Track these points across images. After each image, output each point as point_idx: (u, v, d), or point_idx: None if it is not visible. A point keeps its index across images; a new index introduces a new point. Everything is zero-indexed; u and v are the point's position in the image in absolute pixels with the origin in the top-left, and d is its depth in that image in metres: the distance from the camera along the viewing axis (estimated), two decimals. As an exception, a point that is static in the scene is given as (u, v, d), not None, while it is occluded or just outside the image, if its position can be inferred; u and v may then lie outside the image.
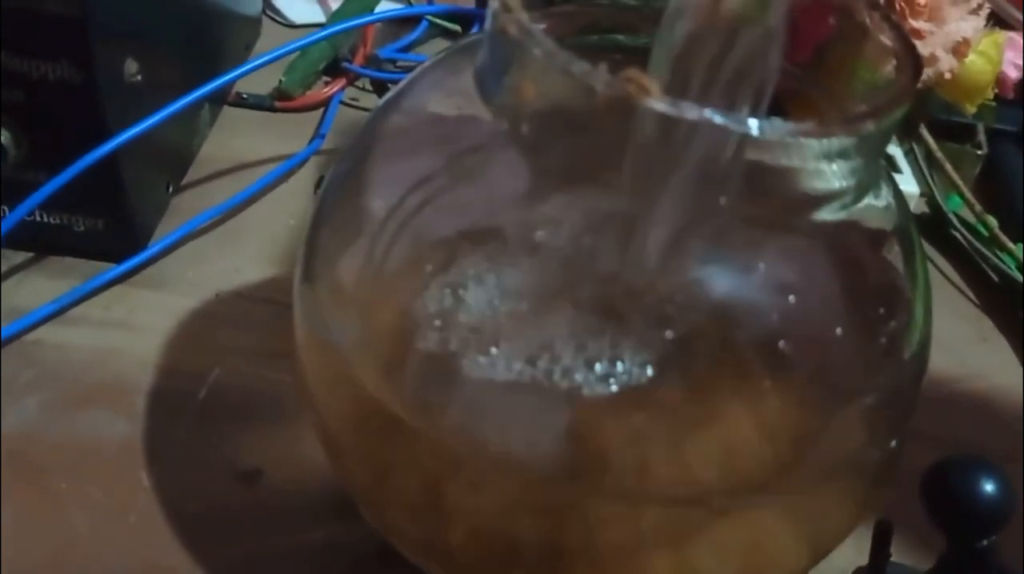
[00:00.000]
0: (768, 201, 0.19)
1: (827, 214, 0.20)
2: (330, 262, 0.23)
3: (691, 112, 0.17)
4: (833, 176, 0.19)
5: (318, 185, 0.41)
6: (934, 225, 0.46)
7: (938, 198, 0.46)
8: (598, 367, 0.18)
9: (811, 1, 0.25)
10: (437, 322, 0.20)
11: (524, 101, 0.19)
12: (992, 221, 0.45)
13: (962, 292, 0.44)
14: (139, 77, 0.33)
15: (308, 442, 0.30)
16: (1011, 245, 0.44)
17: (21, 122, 0.32)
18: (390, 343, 0.21)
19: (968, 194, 0.45)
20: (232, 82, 0.43)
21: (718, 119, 0.17)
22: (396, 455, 0.21)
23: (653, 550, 0.20)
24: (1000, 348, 0.41)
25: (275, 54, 0.37)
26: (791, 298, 0.20)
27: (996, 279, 0.44)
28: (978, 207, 0.45)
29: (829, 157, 0.19)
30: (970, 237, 0.45)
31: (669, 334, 0.19)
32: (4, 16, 0.30)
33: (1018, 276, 0.43)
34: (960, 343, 0.40)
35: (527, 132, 0.19)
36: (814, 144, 0.18)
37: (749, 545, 0.22)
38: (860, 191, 0.20)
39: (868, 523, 0.25)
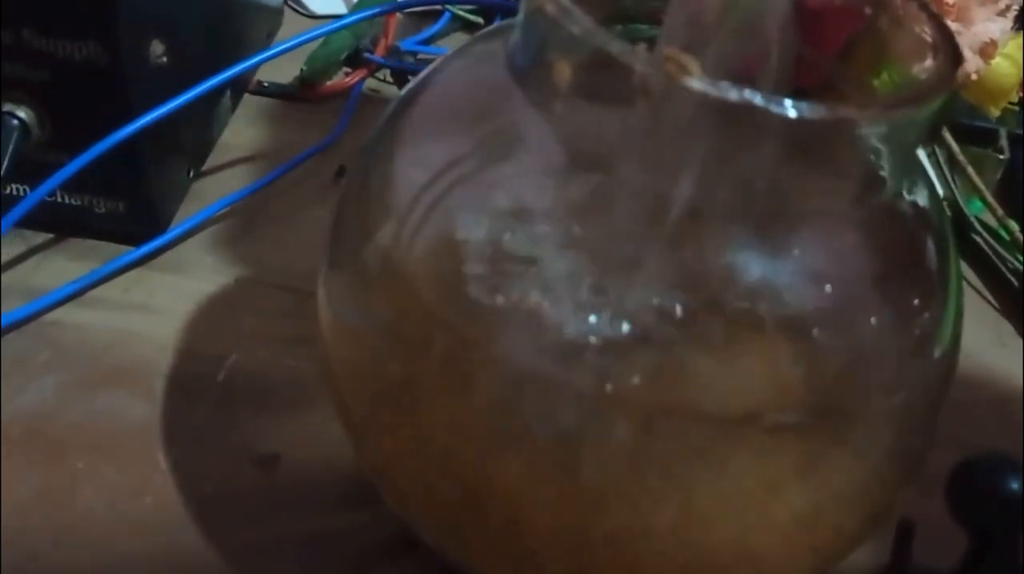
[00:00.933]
0: (804, 186, 0.19)
1: (863, 204, 0.20)
2: (358, 247, 0.23)
3: (731, 93, 0.17)
4: (870, 165, 0.19)
5: (338, 174, 0.41)
6: (955, 229, 0.46)
7: (959, 202, 0.46)
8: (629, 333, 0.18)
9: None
10: (467, 306, 0.20)
11: (559, 81, 0.19)
12: (1013, 225, 0.44)
13: (982, 296, 0.44)
14: (164, 59, 0.33)
15: (325, 428, 0.31)
16: (1032, 249, 0.44)
17: (45, 102, 0.32)
18: (419, 327, 0.20)
19: (990, 198, 0.45)
20: (254, 69, 0.44)
21: (759, 100, 0.17)
22: (424, 440, 0.20)
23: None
24: (1019, 352, 0.41)
25: (297, 41, 0.37)
26: (825, 285, 0.19)
27: (1016, 283, 0.44)
28: (999, 211, 0.44)
29: (866, 144, 0.18)
30: (991, 241, 0.45)
31: (700, 317, 0.18)
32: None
33: (1038, 280, 0.43)
34: (979, 347, 0.40)
35: (561, 112, 0.19)
36: (851, 130, 0.18)
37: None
38: (896, 183, 0.20)
39: (889, 523, 0.25)
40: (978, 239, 0.45)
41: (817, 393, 0.20)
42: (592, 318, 0.18)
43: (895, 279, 0.21)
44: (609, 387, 0.18)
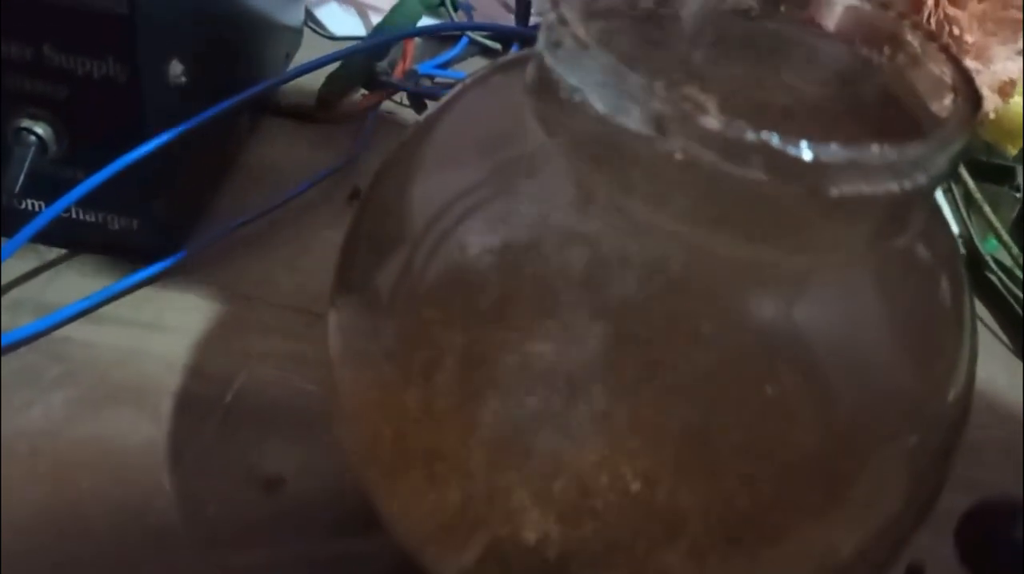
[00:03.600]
0: (819, 226, 0.19)
1: (879, 245, 0.19)
2: (370, 272, 0.23)
3: (748, 134, 0.17)
4: (886, 206, 0.19)
5: (352, 196, 0.41)
6: (970, 267, 0.46)
7: (975, 240, 0.46)
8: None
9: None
10: (477, 334, 0.20)
11: (577, 111, 0.18)
12: (1029, 264, 0.44)
13: (996, 335, 0.43)
14: (183, 79, 0.33)
15: (332, 453, 0.30)
16: (1047, 289, 0.43)
17: (63, 118, 0.32)
18: (429, 354, 0.20)
19: (1005, 236, 0.44)
20: (272, 89, 0.44)
21: (775, 141, 0.16)
22: (434, 472, 0.20)
23: None
24: (1033, 392, 0.41)
25: (315, 62, 0.38)
26: (835, 327, 0.19)
27: (1031, 323, 0.44)
28: (1015, 250, 0.44)
29: (883, 186, 0.18)
30: (1006, 280, 0.45)
31: (709, 358, 0.18)
32: (52, 11, 0.30)
33: (1053, 321, 0.42)
34: (993, 386, 0.40)
35: (579, 142, 0.19)
36: (869, 171, 0.18)
37: None
38: (913, 224, 0.20)
39: (900, 566, 0.25)
40: (993, 278, 0.45)
41: (829, 436, 0.19)
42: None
43: (910, 321, 0.21)
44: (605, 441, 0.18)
